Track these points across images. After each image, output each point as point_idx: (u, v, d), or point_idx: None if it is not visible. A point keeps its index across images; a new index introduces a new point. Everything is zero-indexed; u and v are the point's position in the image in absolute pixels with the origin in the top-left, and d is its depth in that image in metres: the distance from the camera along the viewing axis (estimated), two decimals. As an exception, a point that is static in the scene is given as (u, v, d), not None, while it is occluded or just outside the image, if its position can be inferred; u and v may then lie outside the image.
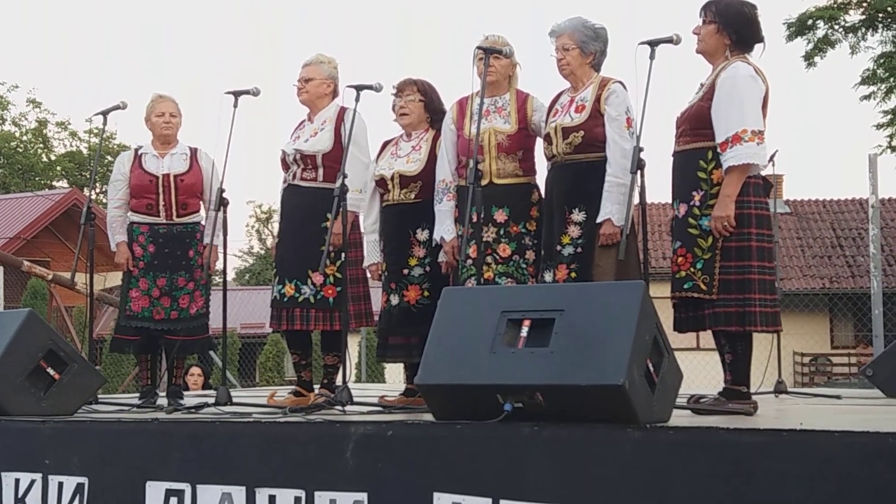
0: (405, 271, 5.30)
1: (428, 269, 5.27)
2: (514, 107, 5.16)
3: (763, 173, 4.60)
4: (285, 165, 5.58)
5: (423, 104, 5.42)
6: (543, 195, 5.05)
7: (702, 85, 4.61)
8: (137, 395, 6.22)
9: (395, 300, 5.31)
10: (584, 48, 4.96)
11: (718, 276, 4.37)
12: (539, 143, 5.11)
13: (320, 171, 5.45)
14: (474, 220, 4.70)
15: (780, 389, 6.49)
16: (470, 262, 4.83)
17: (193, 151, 6.10)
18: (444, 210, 5.17)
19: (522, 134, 5.09)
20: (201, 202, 6.08)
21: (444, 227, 5.14)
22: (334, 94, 5.63)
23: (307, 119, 5.64)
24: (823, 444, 3.02)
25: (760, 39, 4.60)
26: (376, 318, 5.46)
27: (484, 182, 4.99)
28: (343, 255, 5.15)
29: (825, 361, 22.82)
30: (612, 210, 4.74)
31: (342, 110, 5.54)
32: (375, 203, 5.52)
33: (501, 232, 5.05)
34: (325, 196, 5.37)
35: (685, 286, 4.43)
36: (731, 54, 4.54)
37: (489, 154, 5.08)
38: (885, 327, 8.44)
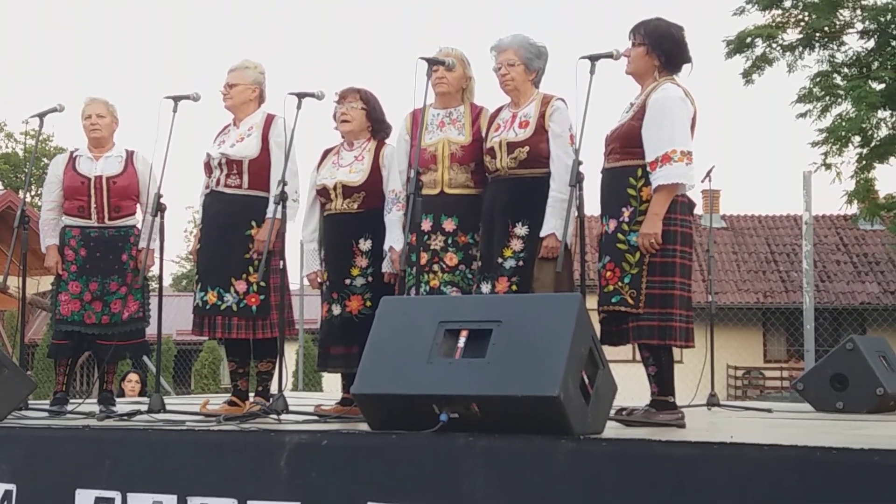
0: (347, 281, 5.29)
1: (370, 279, 5.27)
2: (469, 119, 5.19)
3: (701, 188, 4.68)
4: (208, 170, 5.54)
5: (366, 112, 5.43)
6: (483, 208, 5.07)
7: (631, 104, 4.69)
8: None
9: (336, 310, 5.30)
10: (529, 65, 5.01)
11: (645, 291, 4.43)
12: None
13: (245, 178, 5.41)
14: (423, 228, 4.72)
15: (712, 402, 6.58)
16: (414, 269, 4.84)
17: (130, 154, 6.02)
18: (394, 220, 5.18)
19: (476, 146, 5.12)
20: (137, 205, 6.01)
21: (394, 237, 5.16)
22: (260, 99, 5.61)
23: (232, 124, 5.60)
24: (753, 457, 3.06)
25: (688, 60, 4.71)
26: (297, 326, 5.45)
27: (435, 192, 5.05)
28: (282, 263, 5.13)
29: (758, 375, 23.14)
30: (556, 225, 4.78)
31: (270, 117, 5.52)
32: (315, 212, 5.51)
33: (449, 241, 5.07)
34: (250, 203, 5.36)
35: (613, 300, 4.49)
36: (659, 75, 4.63)
37: (442, 164, 5.10)
38: (817, 342, 8.58)
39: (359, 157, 5.39)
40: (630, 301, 4.45)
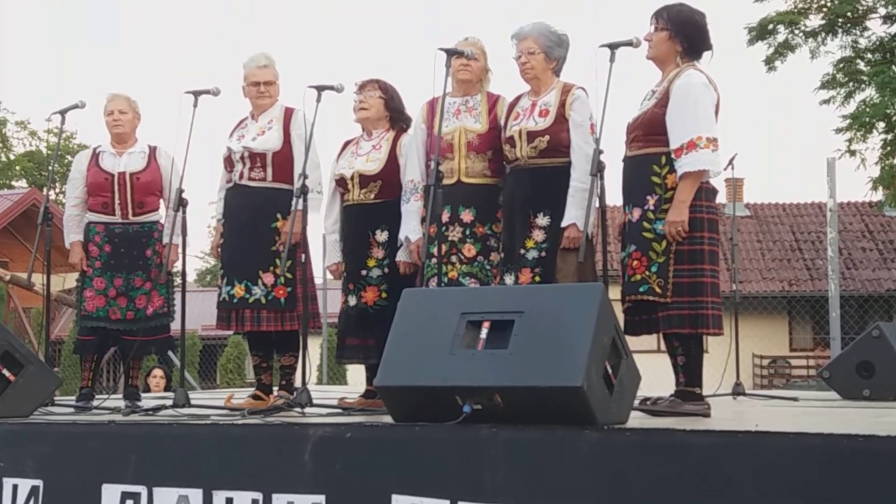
0: (363, 272, 5.29)
1: (386, 270, 5.27)
2: (486, 107, 5.17)
3: (724, 176, 4.65)
4: (230, 164, 5.55)
5: (384, 102, 5.42)
6: (504, 198, 5.05)
7: (653, 91, 4.65)
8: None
9: (352, 301, 5.31)
10: (549, 53, 4.99)
11: (672, 280, 4.40)
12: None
13: (269, 171, 5.43)
14: (443, 220, 4.71)
15: (737, 391, 6.55)
16: (433, 261, 4.83)
17: (152, 150, 6.05)
18: (411, 210, 5.16)
19: (493, 134, 5.10)
20: (160, 201, 6.04)
21: (410, 227, 5.14)
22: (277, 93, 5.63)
23: (250, 118, 5.61)
24: (778, 446, 3.04)
25: (709, 47, 4.68)
26: (321, 319, 5.45)
27: (452, 181, 5.02)
28: (304, 256, 5.15)
29: (784, 364, 23.02)
30: (577, 215, 4.75)
31: (289, 110, 5.54)
32: (336, 203, 5.51)
33: (467, 232, 5.06)
34: (274, 196, 5.38)
35: (641, 289, 4.46)
36: (681, 61, 4.59)
37: (459, 153, 5.08)
38: (843, 330, 8.52)
39: (376, 147, 5.39)
40: (658, 290, 4.42)
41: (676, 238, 4.40)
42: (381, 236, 5.28)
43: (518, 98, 5.10)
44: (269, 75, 5.56)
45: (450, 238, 5.03)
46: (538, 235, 4.87)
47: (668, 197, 4.45)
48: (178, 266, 5.94)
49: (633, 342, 3.94)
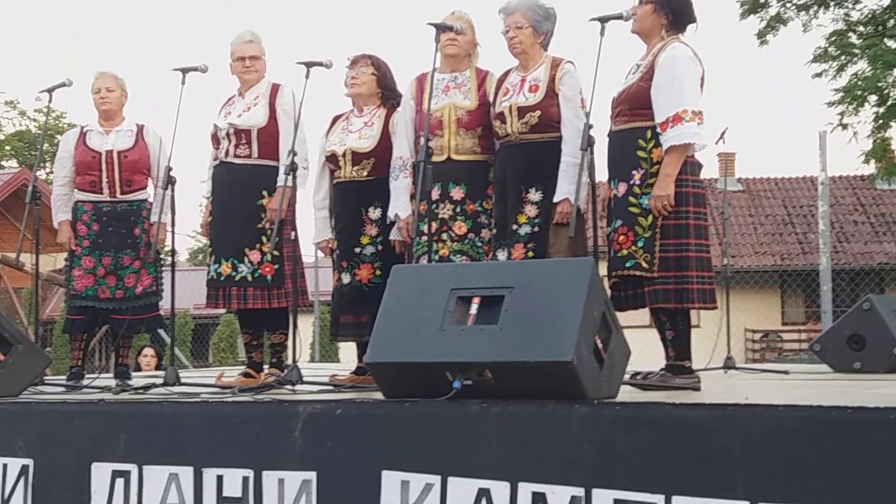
0: (357, 250, 5.27)
1: (380, 247, 5.25)
2: (475, 83, 5.14)
3: (716, 150, 4.64)
4: (216, 141, 5.52)
5: (376, 78, 5.38)
6: (495, 174, 5.03)
7: (637, 65, 4.63)
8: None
9: (346, 279, 5.29)
10: (537, 27, 4.95)
11: (658, 254, 4.39)
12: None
13: (254, 147, 5.40)
14: (433, 197, 4.69)
15: (728, 365, 6.56)
16: (424, 238, 4.81)
17: (140, 128, 6.02)
18: (400, 187, 5.14)
19: (482, 111, 5.06)
20: (148, 179, 6.01)
21: (399, 204, 5.11)
22: (264, 69, 5.60)
23: (237, 94, 5.58)
24: (767, 418, 3.04)
25: (694, 20, 4.66)
26: (311, 296, 5.43)
27: (442, 158, 4.99)
28: (293, 233, 5.13)
29: (776, 338, 23.08)
30: (569, 189, 4.74)
31: (275, 86, 5.51)
32: (325, 179, 5.48)
33: (458, 209, 5.03)
34: (260, 173, 5.36)
35: (627, 264, 4.44)
36: (666, 34, 4.58)
37: (448, 129, 5.05)
38: (835, 303, 8.55)
39: (368, 123, 5.36)
40: (644, 265, 4.41)
41: (662, 212, 4.38)
42: (374, 213, 5.25)
43: (507, 73, 5.07)
44: (254, 50, 5.53)
45: (440, 216, 5.01)
46: (530, 211, 4.86)
47: (653, 171, 4.43)
48: (168, 244, 5.92)
49: (623, 317, 3.93)
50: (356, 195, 5.29)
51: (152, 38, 65.56)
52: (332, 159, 5.37)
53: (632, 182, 4.47)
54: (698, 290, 4.41)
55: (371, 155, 5.27)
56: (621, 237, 4.48)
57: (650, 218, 4.41)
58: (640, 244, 4.42)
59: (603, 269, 3.93)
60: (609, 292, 4.49)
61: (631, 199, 4.47)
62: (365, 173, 5.28)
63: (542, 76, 4.91)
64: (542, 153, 4.84)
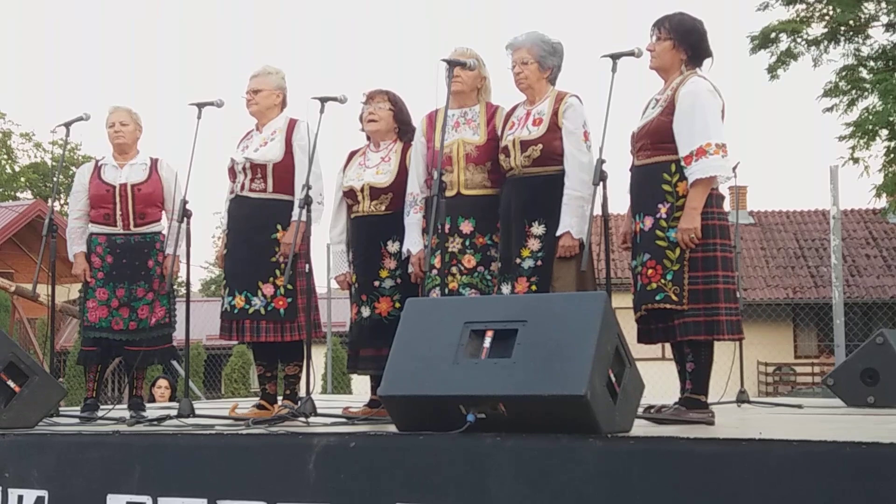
0: (376, 283, 5.30)
1: (399, 280, 5.28)
2: (484, 118, 5.18)
3: (727, 184, 4.66)
4: (233, 175, 5.56)
5: (393, 114, 5.43)
6: (500, 208, 5.06)
7: (656, 100, 4.66)
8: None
9: (366, 312, 5.31)
10: (543, 63, 5.00)
11: (687, 287, 4.41)
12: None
13: (269, 182, 5.43)
14: (440, 231, 4.72)
15: (742, 399, 6.54)
16: (434, 272, 4.84)
17: (154, 161, 6.08)
18: (412, 223, 5.18)
19: (491, 145, 5.09)
20: (162, 212, 6.06)
21: (411, 240, 5.15)
22: (283, 104, 5.63)
23: (255, 129, 5.62)
24: (782, 454, 3.04)
25: (710, 54, 4.70)
26: (324, 329, 5.44)
27: (452, 193, 5.02)
28: (307, 266, 5.16)
29: (789, 371, 22.99)
30: (571, 223, 4.77)
31: (292, 121, 5.55)
32: (342, 214, 5.52)
33: (467, 243, 5.06)
34: (275, 207, 5.39)
35: (657, 298, 4.45)
36: (685, 69, 4.61)
37: (458, 165, 5.08)
38: (847, 337, 8.50)
39: (385, 158, 5.40)
40: (674, 298, 4.42)
41: (690, 245, 4.40)
42: (393, 247, 5.29)
43: (514, 108, 5.12)
44: (256, 84, 5.56)
45: (450, 249, 5.04)
46: (533, 244, 4.88)
47: (679, 204, 4.45)
48: (182, 276, 5.95)
49: (636, 350, 3.94)
50: (375, 229, 5.32)
51: (171, 74, 66.02)
52: (349, 194, 5.41)
53: (658, 216, 4.49)
54: (727, 321, 4.44)
55: (389, 190, 5.31)
56: (650, 270, 4.49)
57: (678, 251, 4.43)
58: (668, 277, 4.44)
59: (617, 301, 3.93)
60: (634, 325, 4.51)
61: (658, 232, 4.49)
62: (383, 208, 5.31)
63: (545, 110, 4.95)
64: (545, 187, 4.87)
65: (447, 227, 5.01)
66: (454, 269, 5.04)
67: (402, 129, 5.46)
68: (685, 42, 4.62)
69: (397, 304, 5.21)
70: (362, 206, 5.36)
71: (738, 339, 4.59)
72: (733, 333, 4.49)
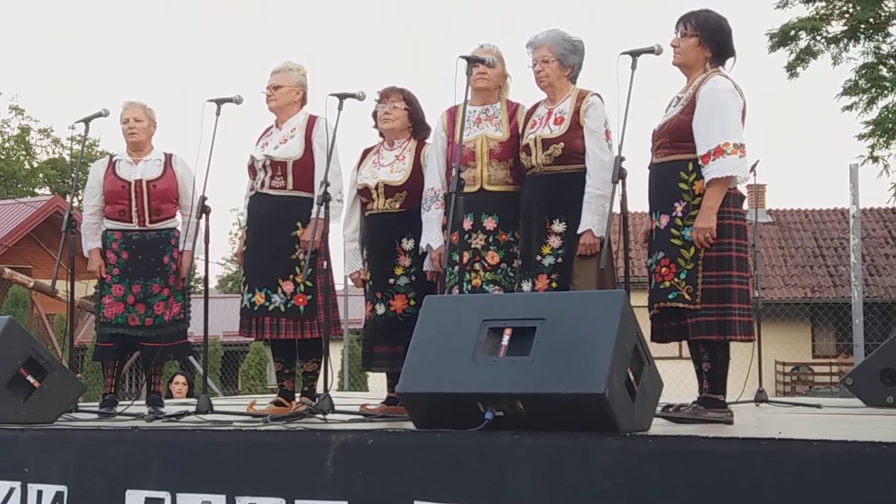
0: (391, 280, 5.31)
1: (414, 278, 5.29)
2: (506, 115, 5.19)
3: (746, 183, 4.64)
4: (252, 172, 5.57)
5: (408, 112, 5.44)
6: (521, 205, 5.06)
7: (678, 98, 4.64)
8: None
9: (380, 309, 5.32)
10: (564, 61, 4.99)
11: (701, 286, 4.39)
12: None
13: (289, 179, 5.43)
14: (464, 227, 4.72)
15: (760, 398, 6.52)
16: (456, 269, 4.84)
17: (168, 157, 6.09)
18: (432, 218, 5.18)
19: (514, 142, 5.11)
20: (177, 208, 6.07)
21: (431, 235, 5.15)
22: (303, 101, 5.63)
23: (275, 126, 5.62)
24: (801, 453, 3.03)
25: (733, 53, 4.68)
26: (342, 326, 5.44)
27: (475, 188, 5.04)
28: (326, 263, 5.16)
29: (807, 370, 22.90)
30: (592, 221, 4.77)
31: (312, 118, 5.54)
32: (356, 211, 5.53)
33: (490, 239, 5.07)
34: (295, 204, 5.39)
35: (670, 296, 4.45)
36: (709, 67, 4.59)
37: (481, 161, 5.10)
38: (866, 337, 8.47)
39: (400, 157, 5.41)
40: (687, 297, 4.41)
41: (705, 245, 4.39)
42: (408, 245, 5.30)
43: (535, 106, 5.12)
44: (277, 79, 5.55)
45: (473, 246, 5.05)
46: (554, 242, 4.88)
47: (695, 203, 4.44)
48: (200, 272, 5.97)
49: (654, 349, 3.93)
50: (389, 227, 5.33)
51: (190, 68, 66.26)
52: (363, 192, 5.42)
53: (674, 214, 4.48)
54: (739, 321, 4.42)
55: (403, 188, 5.32)
56: (663, 269, 4.48)
57: (692, 250, 4.42)
58: (682, 276, 4.42)
59: (635, 300, 3.92)
60: (650, 323, 4.49)
61: (673, 231, 4.47)
62: (398, 205, 5.32)
63: (567, 108, 4.95)
64: (566, 184, 4.87)
65: (470, 223, 5.02)
66: (477, 266, 5.05)
67: (417, 127, 5.47)
68: (711, 40, 4.59)
69: (412, 302, 5.22)
70: (377, 204, 5.37)
71: (749, 340, 4.54)
72: (745, 334, 4.46)
